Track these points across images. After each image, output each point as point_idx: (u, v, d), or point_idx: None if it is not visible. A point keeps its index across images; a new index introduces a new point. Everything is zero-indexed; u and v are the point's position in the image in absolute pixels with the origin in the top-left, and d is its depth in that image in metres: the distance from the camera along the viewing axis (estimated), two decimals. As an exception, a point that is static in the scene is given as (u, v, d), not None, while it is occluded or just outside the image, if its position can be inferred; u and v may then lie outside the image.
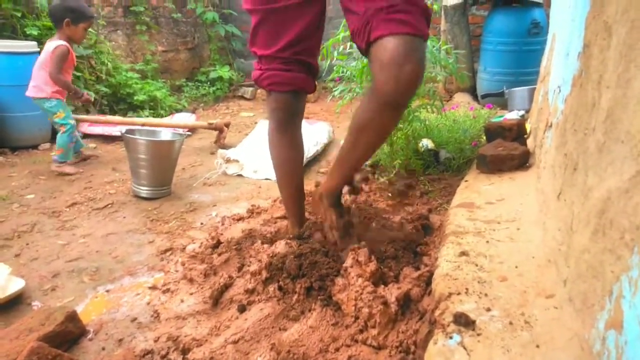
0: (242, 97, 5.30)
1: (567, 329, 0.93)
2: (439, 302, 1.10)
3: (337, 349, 1.20)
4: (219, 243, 1.80)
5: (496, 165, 1.94)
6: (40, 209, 2.30)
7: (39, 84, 2.79)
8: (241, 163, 2.83)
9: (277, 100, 1.52)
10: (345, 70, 2.33)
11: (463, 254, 1.27)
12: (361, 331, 1.22)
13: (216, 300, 1.47)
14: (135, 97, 4.11)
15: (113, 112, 4.02)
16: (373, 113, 1.23)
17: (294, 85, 1.49)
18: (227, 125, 3.50)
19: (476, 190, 1.79)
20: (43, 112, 2.89)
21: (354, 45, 1.63)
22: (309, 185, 2.26)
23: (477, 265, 1.21)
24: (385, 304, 1.23)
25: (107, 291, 1.63)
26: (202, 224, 2.16)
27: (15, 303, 1.54)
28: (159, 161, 2.44)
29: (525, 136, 2.17)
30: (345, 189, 1.57)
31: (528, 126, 2.32)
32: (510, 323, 0.98)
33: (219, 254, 1.69)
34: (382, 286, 1.31)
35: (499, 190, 1.75)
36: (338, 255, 1.47)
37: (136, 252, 1.90)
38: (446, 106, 3.04)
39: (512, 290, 1.09)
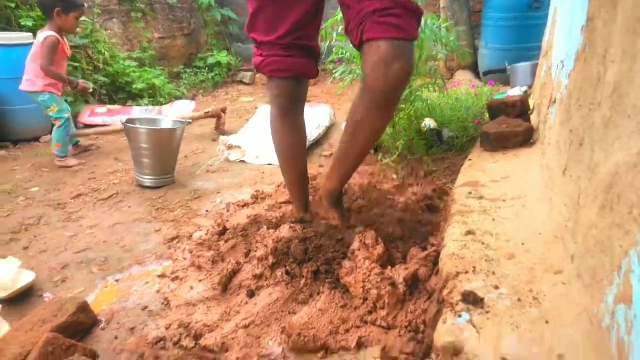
0: (241, 82, 5.26)
1: (575, 304, 0.94)
2: (447, 281, 1.11)
3: (347, 330, 1.21)
4: (225, 230, 1.81)
5: (500, 143, 1.93)
6: (45, 202, 2.31)
7: (31, 77, 2.73)
8: (243, 149, 2.82)
9: (279, 87, 1.51)
10: (345, 52, 2.30)
11: (469, 233, 1.27)
12: (370, 312, 1.23)
13: (225, 286, 1.49)
14: (134, 86, 4.09)
15: (112, 102, 4.00)
16: (366, 111, 1.26)
17: (295, 71, 1.48)
18: (224, 110, 3.47)
19: (481, 168, 1.79)
20: (41, 105, 2.86)
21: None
22: (312, 170, 2.26)
23: (483, 244, 1.21)
24: (394, 285, 1.24)
25: (117, 281, 1.65)
26: (207, 211, 2.17)
27: (26, 295, 1.56)
28: (161, 150, 2.43)
29: (529, 112, 2.15)
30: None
31: (531, 102, 2.30)
32: (519, 300, 0.98)
33: (226, 241, 1.70)
34: (390, 267, 1.32)
35: (504, 167, 1.74)
36: (343, 239, 1.48)
37: (143, 241, 1.91)
38: (448, 84, 3.01)
39: (519, 267, 1.10)
